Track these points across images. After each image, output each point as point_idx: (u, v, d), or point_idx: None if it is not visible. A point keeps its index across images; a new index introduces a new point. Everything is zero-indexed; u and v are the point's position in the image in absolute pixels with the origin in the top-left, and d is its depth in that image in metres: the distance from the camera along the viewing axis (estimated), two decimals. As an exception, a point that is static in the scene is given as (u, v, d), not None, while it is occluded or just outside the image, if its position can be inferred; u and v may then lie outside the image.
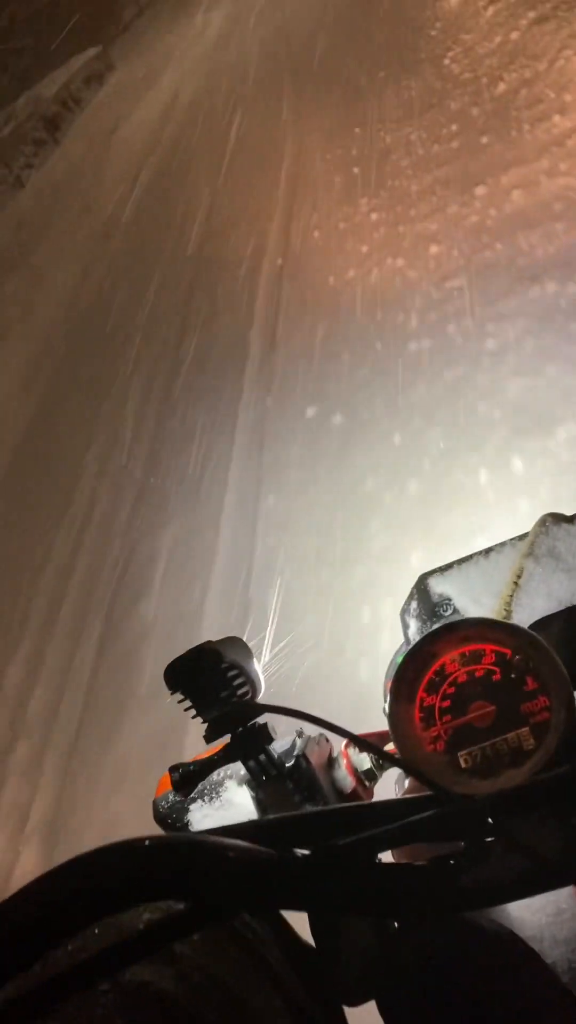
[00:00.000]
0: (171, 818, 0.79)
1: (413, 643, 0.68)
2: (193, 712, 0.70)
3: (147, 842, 0.51)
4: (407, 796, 0.68)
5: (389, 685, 0.77)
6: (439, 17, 7.59)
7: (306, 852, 0.55)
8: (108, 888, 0.48)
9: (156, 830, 0.79)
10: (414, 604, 0.81)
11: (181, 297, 5.64)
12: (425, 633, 0.68)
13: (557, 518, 0.83)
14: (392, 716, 0.66)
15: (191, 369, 4.75)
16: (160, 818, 0.80)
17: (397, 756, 0.66)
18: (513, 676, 0.65)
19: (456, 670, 0.67)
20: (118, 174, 10.94)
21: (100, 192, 10.63)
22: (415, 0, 8.68)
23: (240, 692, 0.69)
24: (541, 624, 0.71)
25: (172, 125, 11.71)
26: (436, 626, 0.69)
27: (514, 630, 0.66)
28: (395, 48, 7.54)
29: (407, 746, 0.65)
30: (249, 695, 0.70)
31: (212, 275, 5.66)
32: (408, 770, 0.64)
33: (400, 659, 0.68)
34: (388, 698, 0.67)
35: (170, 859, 0.50)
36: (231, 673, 0.69)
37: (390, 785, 0.81)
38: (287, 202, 5.87)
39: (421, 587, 0.81)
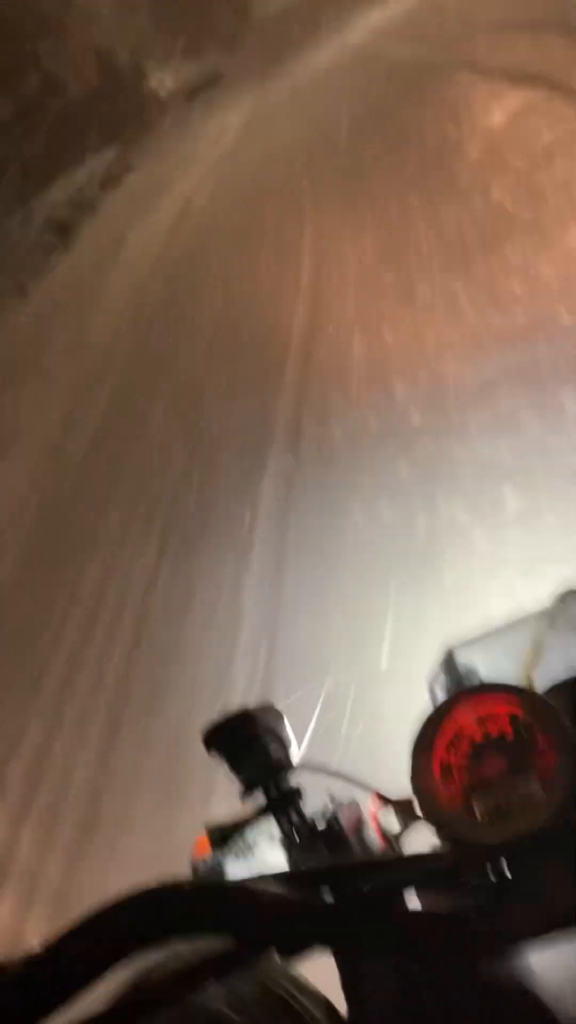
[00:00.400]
0: (208, 878, 0.84)
1: (436, 707, 0.75)
2: (229, 771, 0.76)
3: (187, 885, 0.57)
4: (426, 852, 0.74)
5: None
6: (481, 136, 6.97)
7: (330, 899, 0.61)
8: (152, 923, 0.54)
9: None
10: (442, 676, 0.88)
11: (184, 429, 5.51)
12: (444, 699, 0.75)
13: None
14: (413, 772, 0.73)
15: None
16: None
17: (415, 811, 0.73)
18: (525, 735, 0.72)
19: (473, 731, 0.74)
20: (124, 287, 10.85)
21: (103, 307, 10.52)
22: (450, 112, 8.30)
23: (273, 755, 0.75)
24: (554, 689, 0.78)
25: (184, 235, 11.63)
26: (442, 695, 0.76)
27: (524, 693, 0.74)
28: (431, 170, 6.97)
29: (426, 802, 0.71)
30: (282, 757, 0.76)
31: (220, 405, 5.48)
32: (427, 820, 0.71)
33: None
34: (410, 758, 0.73)
35: (208, 900, 0.56)
36: (265, 737, 0.75)
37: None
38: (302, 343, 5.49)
39: (448, 658, 0.89)
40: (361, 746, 2.63)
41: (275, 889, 0.59)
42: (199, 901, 0.56)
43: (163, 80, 44.86)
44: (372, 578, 3.33)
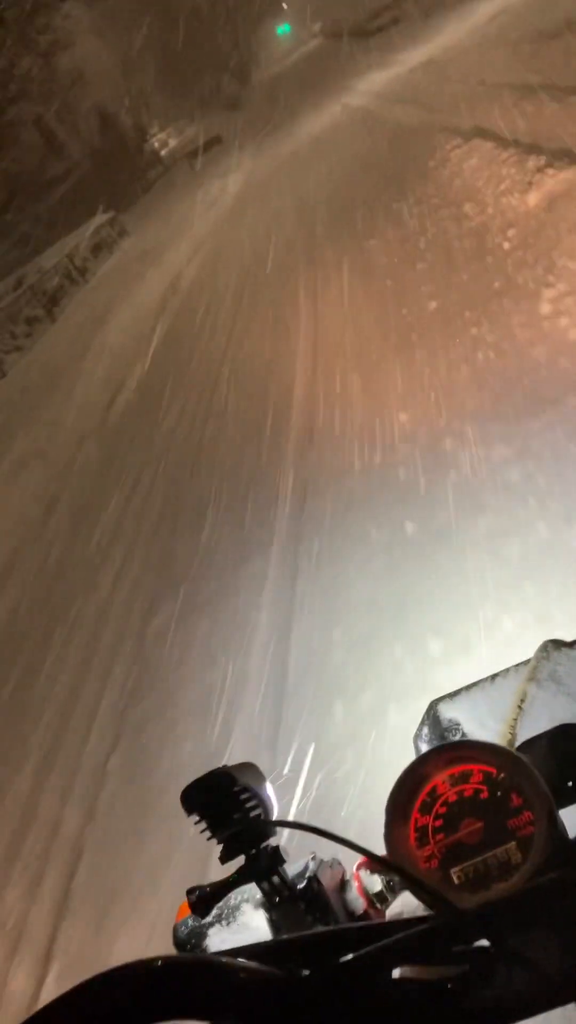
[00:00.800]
0: (190, 943, 0.84)
1: (407, 766, 0.75)
2: (208, 834, 0.76)
3: (159, 962, 0.56)
4: (407, 918, 0.73)
5: None
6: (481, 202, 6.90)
7: (305, 972, 0.61)
8: (121, 1008, 0.53)
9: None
10: (425, 729, 0.88)
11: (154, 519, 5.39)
12: (416, 757, 0.76)
13: (558, 644, 0.91)
14: (388, 837, 0.72)
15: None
16: (179, 943, 0.85)
17: (402, 869, 0.71)
18: (499, 793, 0.71)
19: (447, 790, 0.73)
20: (108, 367, 10.57)
21: (83, 391, 10.31)
22: (465, 185, 8.02)
23: (253, 815, 0.75)
24: (529, 744, 0.78)
25: (171, 315, 11.48)
26: (425, 750, 0.76)
27: (497, 750, 0.73)
28: (439, 242, 6.82)
29: (403, 867, 0.71)
30: (262, 816, 0.76)
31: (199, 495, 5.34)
32: (412, 883, 0.70)
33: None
34: (385, 820, 0.74)
35: (181, 979, 0.55)
36: (244, 795, 0.76)
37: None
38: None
39: (432, 713, 0.89)
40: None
41: (251, 964, 0.58)
42: (169, 981, 0.55)
43: (165, 141, 46.11)
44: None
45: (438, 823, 0.72)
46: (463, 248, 6.25)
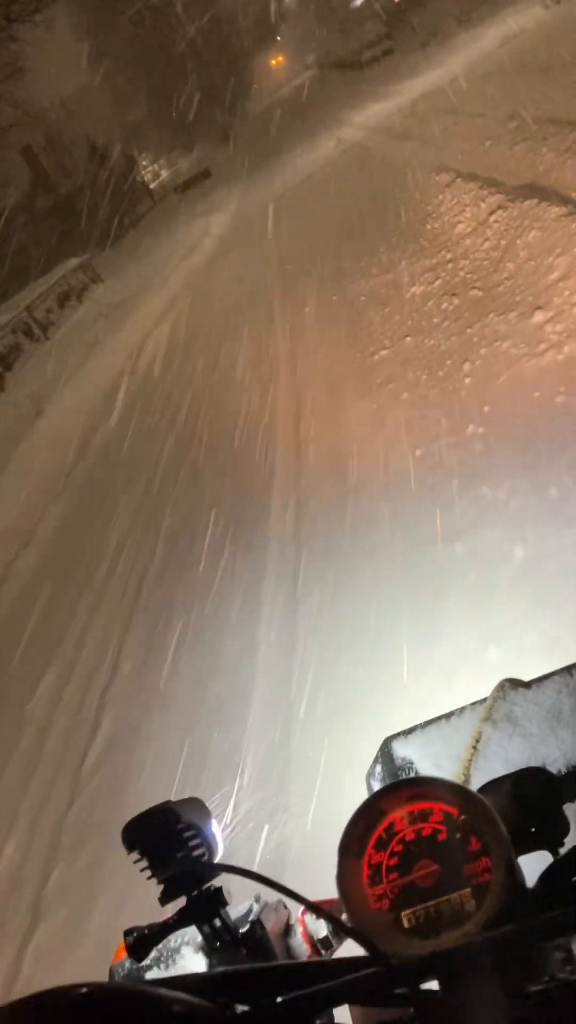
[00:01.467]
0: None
1: (367, 798, 0.74)
2: (149, 873, 0.74)
3: (89, 989, 0.54)
4: (347, 957, 0.71)
5: None
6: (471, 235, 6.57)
7: (247, 1008, 0.59)
8: None
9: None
10: (378, 767, 0.87)
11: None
12: (373, 793, 0.74)
13: (515, 683, 0.90)
14: (340, 872, 0.71)
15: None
16: None
17: (337, 919, 0.70)
18: (458, 836, 0.70)
19: (404, 828, 0.72)
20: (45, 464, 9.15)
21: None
22: (434, 212, 8.09)
23: (196, 853, 0.74)
24: (491, 786, 0.77)
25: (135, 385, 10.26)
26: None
27: (459, 790, 0.72)
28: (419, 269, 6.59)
29: (353, 903, 0.69)
30: (206, 856, 0.75)
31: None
32: (347, 932, 0.68)
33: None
34: (338, 854, 0.72)
35: (112, 1008, 0.54)
36: (187, 833, 0.74)
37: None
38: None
39: (385, 750, 0.88)
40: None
41: (185, 996, 0.57)
42: (98, 1010, 0.53)
43: (157, 173, 46.89)
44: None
45: (393, 861, 0.71)
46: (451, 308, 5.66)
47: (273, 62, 55.68)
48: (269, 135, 29.30)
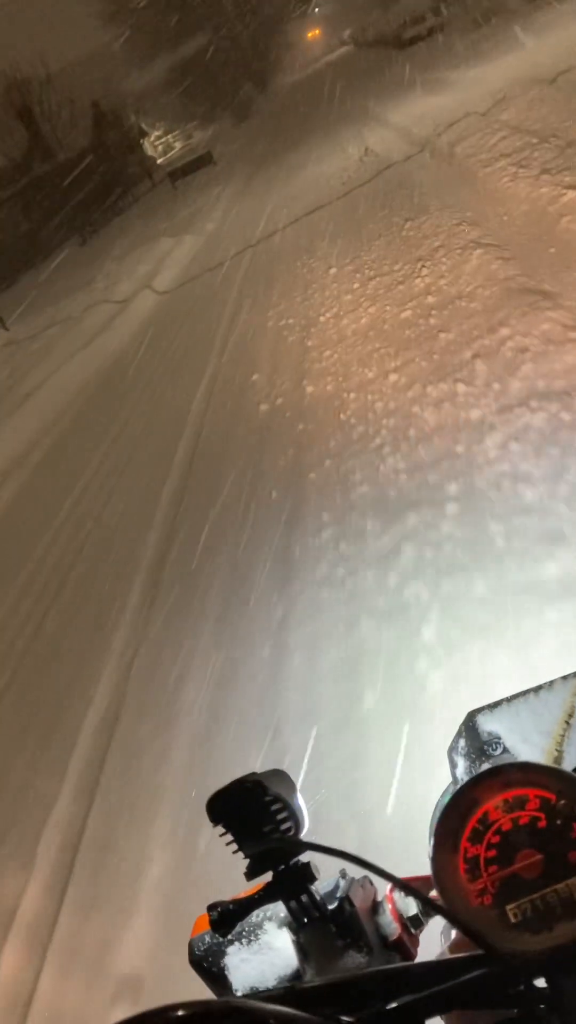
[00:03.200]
0: (207, 961, 0.86)
1: (456, 789, 0.77)
2: (235, 847, 0.79)
3: (180, 1011, 0.56)
4: (453, 956, 0.74)
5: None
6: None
7: (351, 1020, 0.62)
8: None
9: (190, 971, 0.86)
10: (462, 742, 0.90)
11: None
12: (466, 779, 0.78)
13: None
14: (436, 867, 0.74)
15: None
16: (195, 960, 0.87)
17: (443, 905, 0.73)
18: (559, 822, 0.72)
19: (500, 817, 0.74)
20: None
21: None
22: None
23: (284, 828, 0.79)
24: None
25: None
26: (478, 772, 0.78)
27: (558, 774, 0.75)
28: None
29: (453, 899, 0.72)
30: (293, 831, 0.79)
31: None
32: (455, 922, 0.71)
33: (444, 804, 0.77)
34: (431, 847, 0.75)
35: None
36: (275, 807, 0.79)
37: (435, 934, 0.87)
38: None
39: (469, 724, 0.91)
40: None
41: (286, 1010, 0.59)
42: None
43: (169, 145, 47.00)
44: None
45: (491, 854, 0.73)
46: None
47: (309, 35, 56.07)
48: (288, 120, 28.60)
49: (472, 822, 0.75)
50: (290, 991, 0.72)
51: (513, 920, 0.69)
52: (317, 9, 54.91)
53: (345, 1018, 0.62)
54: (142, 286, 14.73)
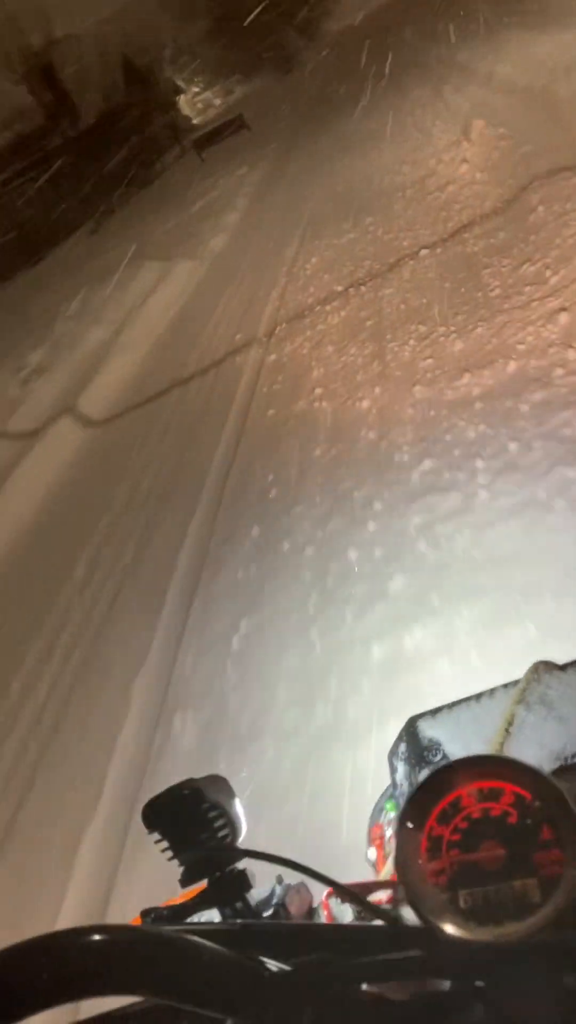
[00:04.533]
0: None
1: (413, 781, 0.79)
2: (170, 854, 0.81)
3: (122, 930, 0.60)
4: (400, 926, 0.76)
5: (374, 829, 0.87)
6: None
7: (286, 968, 0.65)
8: (80, 972, 0.58)
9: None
10: (403, 747, 0.93)
11: None
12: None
13: (549, 666, 0.96)
14: (399, 840, 0.78)
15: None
16: None
17: (379, 907, 0.78)
18: (529, 822, 0.76)
19: (472, 804, 0.78)
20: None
21: None
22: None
23: (220, 835, 0.81)
24: (562, 772, 0.81)
25: None
26: (416, 777, 0.80)
27: (541, 777, 0.78)
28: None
29: (409, 875, 0.76)
30: (229, 838, 0.81)
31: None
32: (390, 921, 0.75)
33: (389, 802, 0.78)
34: (397, 819, 0.79)
35: (148, 951, 0.60)
36: (212, 814, 0.82)
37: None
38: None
39: (411, 730, 0.94)
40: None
41: (219, 948, 0.63)
42: (134, 951, 0.60)
43: (208, 102, 47.11)
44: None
45: (455, 837, 0.77)
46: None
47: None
48: (340, 73, 25.65)
49: (443, 803, 0.78)
50: (220, 928, 0.77)
51: (463, 905, 0.73)
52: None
53: (280, 965, 0.65)
54: (68, 398, 9.52)
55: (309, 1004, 0.64)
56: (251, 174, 19.14)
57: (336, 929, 0.79)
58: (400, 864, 0.76)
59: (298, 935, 0.74)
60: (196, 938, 0.63)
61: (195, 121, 41.12)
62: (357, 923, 0.85)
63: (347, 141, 14.80)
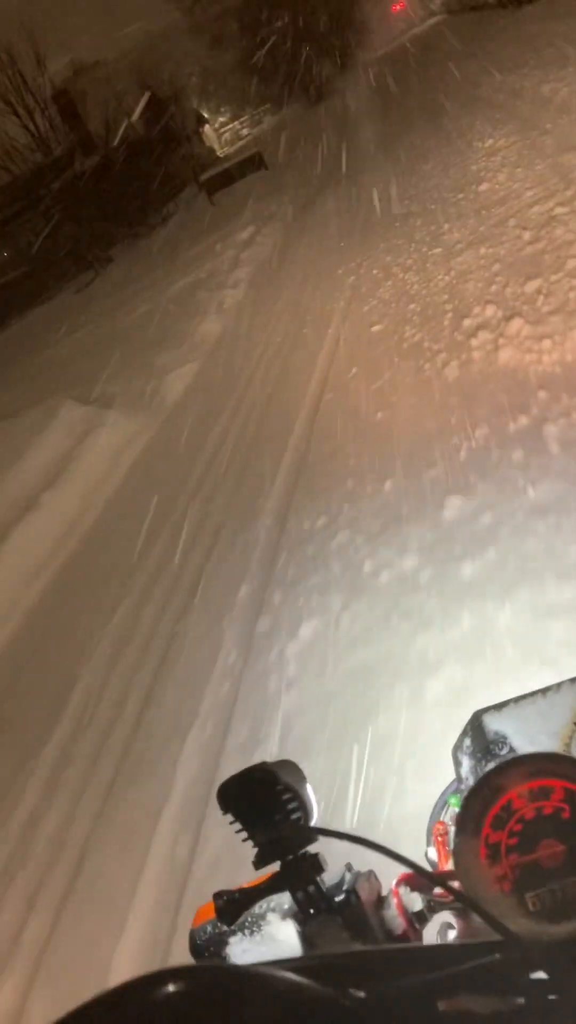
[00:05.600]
0: (209, 950, 0.96)
1: (479, 776, 0.86)
2: (244, 835, 0.88)
3: (187, 976, 0.62)
4: (467, 941, 0.82)
5: (437, 826, 0.94)
6: None
7: (361, 994, 0.69)
8: (159, 1019, 0.59)
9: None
10: (468, 741, 1.00)
11: None
12: (492, 766, 0.86)
13: None
14: (457, 851, 0.84)
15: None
16: (197, 950, 0.97)
17: (462, 892, 0.81)
18: None
19: (523, 806, 0.84)
20: None
21: None
22: None
23: (293, 816, 0.88)
24: None
25: None
26: (505, 759, 0.87)
27: None
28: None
29: (471, 883, 0.81)
30: (302, 820, 0.88)
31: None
32: (471, 905, 0.78)
33: (453, 797, 0.85)
34: (454, 832, 0.85)
35: (229, 991, 0.62)
36: (285, 796, 0.88)
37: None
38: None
39: (476, 724, 1.01)
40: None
41: (295, 978, 0.65)
42: (203, 994, 0.61)
43: (236, 133, 47.72)
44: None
45: (512, 841, 0.82)
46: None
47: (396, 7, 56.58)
48: (371, 104, 26.29)
49: (495, 808, 0.84)
50: (297, 962, 0.81)
51: (532, 908, 0.79)
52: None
53: (355, 992, 0.68)
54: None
55: None
56: (260, 235, 16.53)
57: (406, 951, 0.83)
58: (461, 873, 0.81)
59: (372, 959, 0.78)
60: (280, 972, 0.65)
61: (219, 153, 41.33)
62: (431, 944, 0.89)
63: (376, 195, 12.98)
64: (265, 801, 0.88)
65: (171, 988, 0.60)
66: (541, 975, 0.72)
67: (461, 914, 0.96)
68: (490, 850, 0.82)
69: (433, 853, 1.05)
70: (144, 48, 40.85)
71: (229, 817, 0.89)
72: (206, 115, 45.73)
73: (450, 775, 1.03)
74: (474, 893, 0.80)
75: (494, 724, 0.99)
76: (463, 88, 17.64)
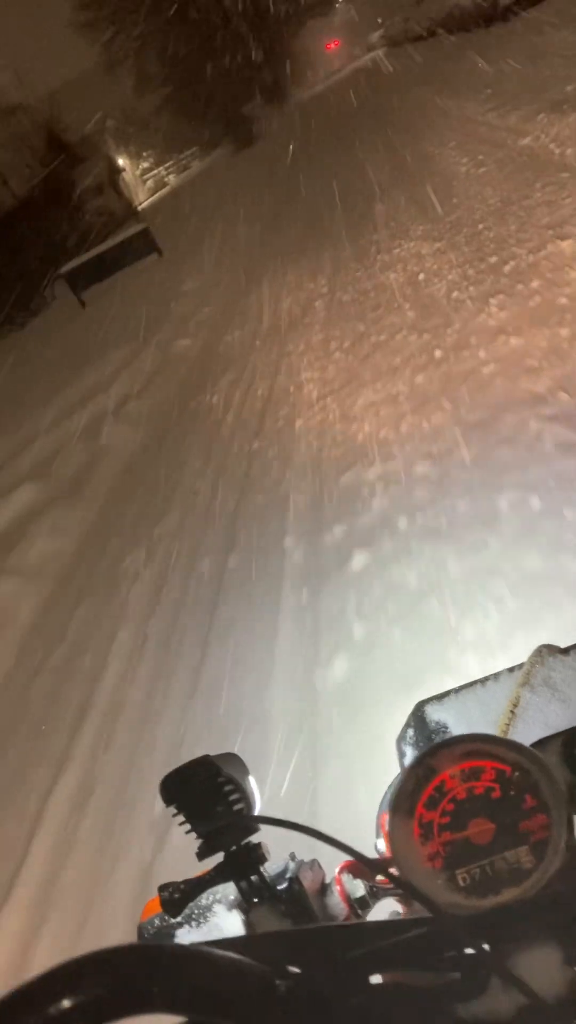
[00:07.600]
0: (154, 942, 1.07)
1: (416, 754, 0.99)
2: (187, 827, 1.01)
3: (140, 950, 0.69)
4: (401, 917, 0.95)
5: (383, 817, 1.08)
6: None
7: (297, 970, 0.80)
8: (96, 999, 0.64)
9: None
10: (410, 731, 1.14)
11: None
12: (425, 748, 0.99)
13: (552, 649, 1.19)
14: (391, 830, 0.95)
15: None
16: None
17: (395, 875, 0.94)
18: (512, 793, 0.94)
19: (456, 786, 0.97)
20: None
21: None
22: None
23: (236, 808, 1.01)
24: (539, 745, 1.01)
25: None
26: (437, 741, 1.00)
27: (514, 747, 0.97)
28: None
29: (405, 861, 0.94)
30: (244, 811, 1.01)
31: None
32: (402, 886, 0.91)
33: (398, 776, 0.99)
34: (388, 814, 0.97)
35: (164, 968, 0.69)
36: (227, 788, 1.01)
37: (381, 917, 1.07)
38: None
39: (418, 715, 1.14)
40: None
41: (234, 956, 0.74)
42: (150, 969, 0.68)
43: (160, 179, 48.35)
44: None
45: (445, 820, 0.94)
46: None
47: (327, 44, 57.93)
48: (307, 149, 26.12)
49: (428, 789, 0.96)
50: (235, 941, 0.91)
51: (462, 884, 0.90)
52: (339, 3, 56.74)
53: (291, 968, 0.79)
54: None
55: (332, 1002, 0.77)
56: (117, 425, 10.72)
57: (340, 928, 0.95)
58: (396, 852, 0.92)
59: (309, 936, 0.89)
60: (216, 950, 0.72)
61: (141, 206, 40.88)
62: (366, 920, 1.01)
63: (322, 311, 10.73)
64: (207, 793, 1.01)
65: (98, 969, 0.66)
66: (476, 950, 0.84)
67: (404, 899, 1.09)
68: (423, 829, 0.93)
69: (382, 845, 1.16)
70: (59, 90, 41.26)
71: (173, 809, 1.02)
72: (122, 163, 45.85)
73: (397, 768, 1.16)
74: (408, 871, 0.91)
75: (435, 714, 1.12)
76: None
